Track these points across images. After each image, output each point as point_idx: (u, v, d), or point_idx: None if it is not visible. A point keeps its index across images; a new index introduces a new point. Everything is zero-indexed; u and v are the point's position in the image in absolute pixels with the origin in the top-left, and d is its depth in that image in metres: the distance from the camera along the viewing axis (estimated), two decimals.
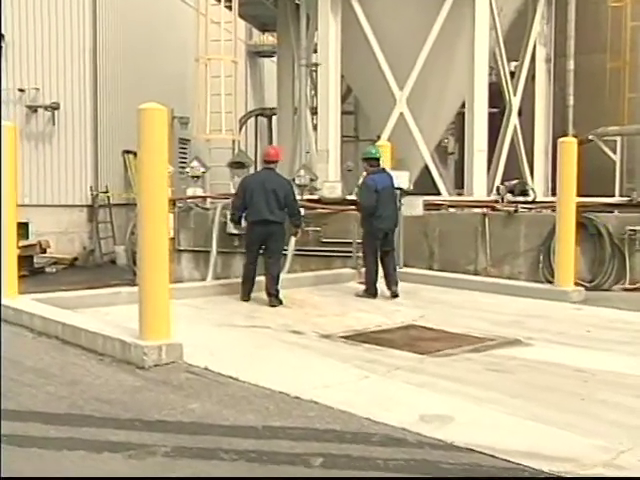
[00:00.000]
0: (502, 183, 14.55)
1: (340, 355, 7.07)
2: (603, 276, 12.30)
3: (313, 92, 19.47)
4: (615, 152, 16.83)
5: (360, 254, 11.49)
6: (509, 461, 4.34)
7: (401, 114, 15.90)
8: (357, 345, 7.56)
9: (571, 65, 17.12)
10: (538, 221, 12.87)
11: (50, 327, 7.69)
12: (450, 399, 5.58)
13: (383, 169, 11.07)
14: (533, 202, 13.67)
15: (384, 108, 16.10)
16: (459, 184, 17.01)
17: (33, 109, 19.50)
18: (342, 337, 7.92)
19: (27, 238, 18.23)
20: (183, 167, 17.28)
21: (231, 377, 6.06)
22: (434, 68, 15.73)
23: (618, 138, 16.87)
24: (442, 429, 4.84)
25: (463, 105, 16.26)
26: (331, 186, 14.22)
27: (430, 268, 12.97)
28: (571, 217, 10.57)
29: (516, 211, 13.07)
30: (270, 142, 24.82)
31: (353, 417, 5.09)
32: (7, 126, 8.79)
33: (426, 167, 16.23)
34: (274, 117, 23.28)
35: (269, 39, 27.24)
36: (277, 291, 10.01)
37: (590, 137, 16.59)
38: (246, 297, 10.16)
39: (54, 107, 19.40)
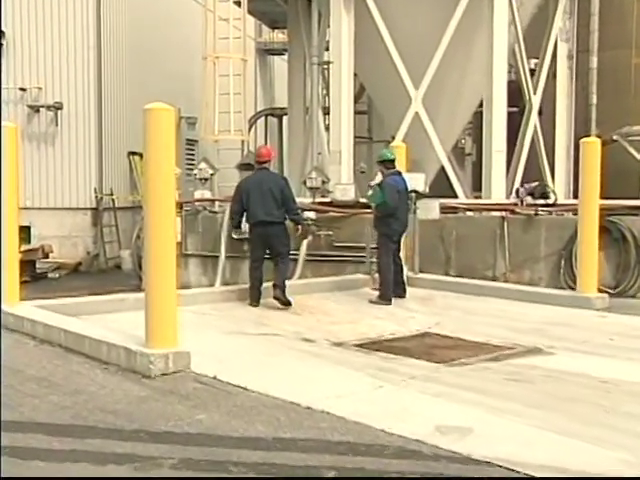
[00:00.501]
0: (522, 185, 14.51)
1: (353, 364, 7.06)
2: (628, 282, 12.25)
3: (325, 91, 19.47)
4: None
5: (374, 259, 11.54)
6: (530, 476, 4.33)
7: (416, 114, 15.89)
8: (371, 353, 7.55)
9: (594, 62, 17.08)
10: (559, 225, 12.83)
11: (53, 334, 7.72)
12: (467, 410, 5.57)
13: (399, 172, 11.18)
14: (554, 205, 13.62)
15: (399, 107, 16.10)
16: (477, 186, 16.97)
17: (35, 109, 19.54)
18: (355, 345, 7.91)
19: (29, 242, 18.30)
20: (191, 169, 17.37)
21: (240, 387, 6.07)
22: (451, 65, 15.72)
23: None
24: (459, 441, 4.83)
25: (481, 104, 16.23)
26: (344, 188, 14.24)
27: (446, 274, 12.96)
28: (594, 221, 10.53)
29: (536, 214, 13.04)
30: (280, 143, 24.85)
31: (367, 428, 5.08)
32: (8, 127, 8.83)
33: (442, 169, 16.21)
34: (284, 117, 23.31)
35: (279, 36, 27.32)
36: (284, 284, 10.18)
37: (614, 137, 16.53)
38: (255, 302, 10.22)
39: (57, 107, 19.43)
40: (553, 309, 10.26)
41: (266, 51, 29.06)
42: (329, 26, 16.65)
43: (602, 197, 10.77)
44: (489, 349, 7.75)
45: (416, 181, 11.72)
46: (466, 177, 18.80)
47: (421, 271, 12.41)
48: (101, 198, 19.77)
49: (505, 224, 13.08)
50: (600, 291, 10.83)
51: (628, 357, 7.56)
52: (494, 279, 12.80)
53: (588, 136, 13.51)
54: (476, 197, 16.19)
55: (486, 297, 11.13)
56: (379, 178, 11.35)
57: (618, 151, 16.22)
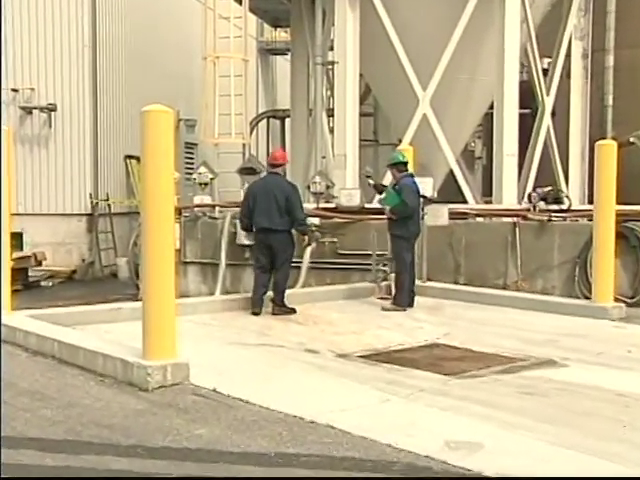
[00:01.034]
0: (534, 190, 14.50)
1: (358, 376, 7.06)
2: None
3: (329, 92, 19.53)
4: None
5: (380, 267, 11.58)
6: None
7: (424, 116, 15.89)
8: (377, 365, 7.54)
9: (610, 61, 17.09)
10: (574, 231, 12.81)
11: (46, 346, 7.72)
12: (478, 424, 5.56)
13: (412, 174, 11.24)
14: (568, 210, 13.63)
15: (406, 109, 16.11)
16: (487, 191, 16.98)
17: (28, 110, 19.58)
18: (361, 357, 7.91)
19: (21, 249, 18.34)
20: (190, 173, 17.37)
21: (241, 400, 6.07)
22: (460, 66, 15.74)
23: None
24: (470, 457, 4.82)
25: (491, 106, 16.25)
26: (349, 194, 14.25)
27: (456, 282, 12.95)
28: (610, 227, 10.52)
29: (549, 220, 13.03)
30: (283, 146, 24.87)
31: (373, 443, 5.07)
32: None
33: (451, 173, 16.22)
34: (287, 119, 23.36)
35: (282, 35, 27.38)
36: (281, 300, 10.32)
37: (631, 139, 16.51)
38: (256, 309, 10.29)
39: (50, 108, 19.48)
40: (567, 319, 10.24)
41: (268, 51, 29.12)
42: (334, 25, 16.66)
43: (618, 202, 10.76)
44: (500, 361, 7.73)
45: (424, 186, 11.73)
46: (476, 182, 18.80)
47: (429, 279, 12.41)
48: (96, 203, 19.81)
49: (517, 230, 13.07)
50: (617, 300, 10.82)
51: None
52: (505, 288, 12.78)
53: (604, 138, 13.53)
54: (486, 202, 16.18)
55: (497, 306, 11.13)
56: (388, 181, 11.39)
57: (635, 154, 16.19)
